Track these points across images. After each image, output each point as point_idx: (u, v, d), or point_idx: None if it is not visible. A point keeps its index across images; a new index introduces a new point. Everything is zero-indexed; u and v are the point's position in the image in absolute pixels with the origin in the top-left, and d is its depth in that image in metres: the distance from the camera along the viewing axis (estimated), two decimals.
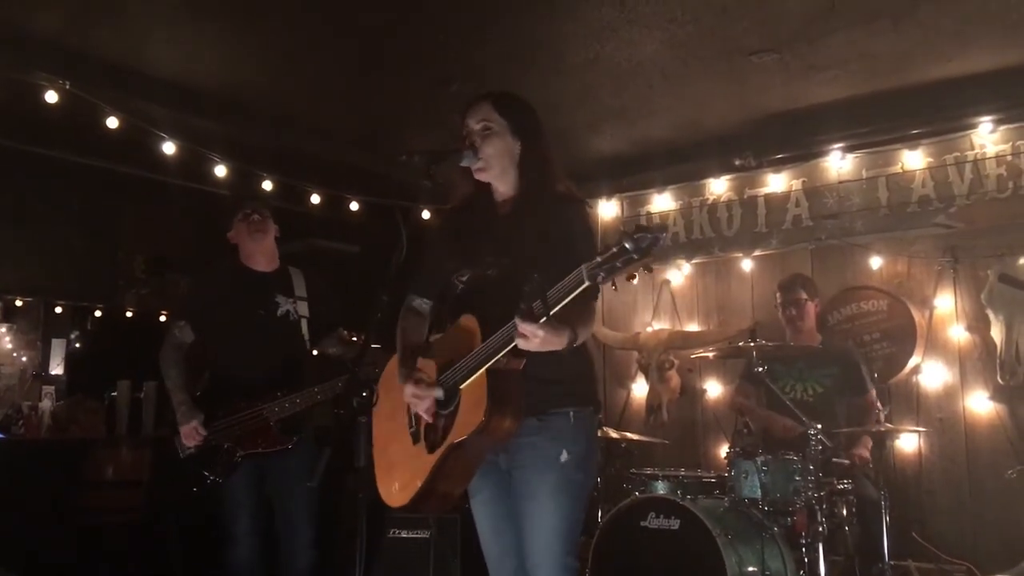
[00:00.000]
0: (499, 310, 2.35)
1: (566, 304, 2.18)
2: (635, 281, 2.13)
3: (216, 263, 4.13)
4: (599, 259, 2.07)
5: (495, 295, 2.49)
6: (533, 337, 2.22)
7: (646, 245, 2.02)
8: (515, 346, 2.28)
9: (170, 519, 4.20)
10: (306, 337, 3.99)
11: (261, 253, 3.98)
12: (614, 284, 2.10)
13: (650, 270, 2.11)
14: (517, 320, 2.21)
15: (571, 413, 2.59)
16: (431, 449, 2.55)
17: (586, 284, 2.11)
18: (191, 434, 3.69)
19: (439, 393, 2.52)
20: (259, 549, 3.76)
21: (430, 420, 2.56)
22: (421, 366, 2.66)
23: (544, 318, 2.18)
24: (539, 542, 2.53)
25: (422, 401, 2.54)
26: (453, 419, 2.49)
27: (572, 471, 2.55)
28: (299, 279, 4.04)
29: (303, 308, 3.98)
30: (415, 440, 2.65)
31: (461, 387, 2.47)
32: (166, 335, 3.93)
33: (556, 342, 2.27)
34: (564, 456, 2.53)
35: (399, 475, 2.68)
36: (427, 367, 2.64)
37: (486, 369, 2.38)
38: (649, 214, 6.23)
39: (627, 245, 2.02)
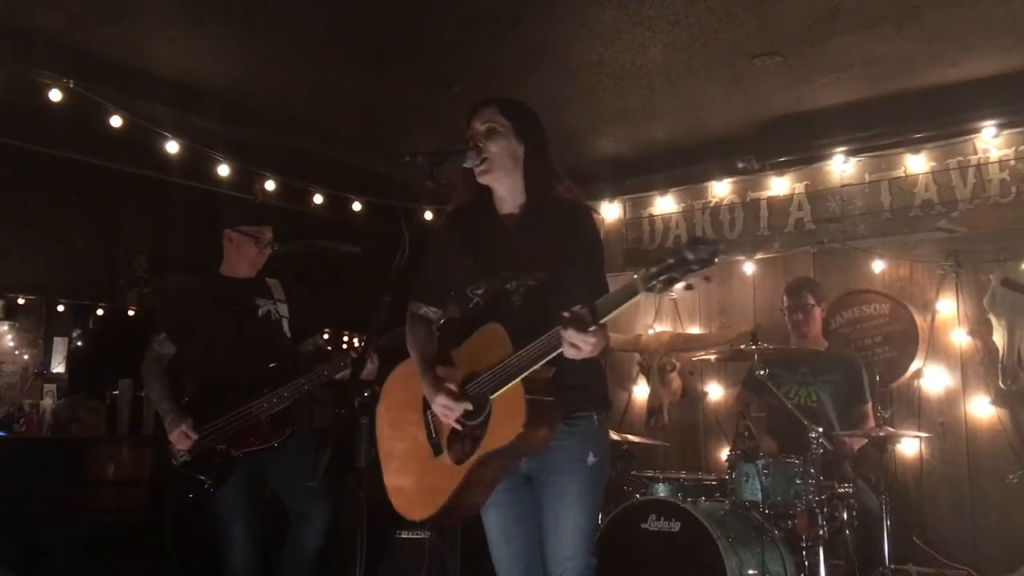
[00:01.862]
0: (526, 321, 2.38)
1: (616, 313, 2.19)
2: (691, 288, 2.11)
3: (190, 275, 4.12)
4: (654, 269, 2.07)
5: (519, 307, 2.52)
6: (584, 345, 2.22)
7: (706, 256, 2.02)
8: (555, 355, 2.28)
9: (168, 521, 4.20)
10: (288, 335, 4.02)
11: (249, 267, 4.01)
12: (670, 293, 2.11)
13: (708, 280, 2.08)
14: (566, 329, 2.20)
15: (595, 416, 2.63)
16: (459, 460, 2.53)
17: (641, 294, 2.11)
18: (181, 438, 3.68)
19: (468, 405, 2.50)
20: (255, 552, 3.76)
21: (459, 428, 2.54)
22: (443, 375, 2.62)
23: (594, 327, 2.19)
24: (568, 543, 2.55)
25: (453, 412, 2.52)
26: (484, 429, 2.47)
27: (597, 472, 2.60)
28: (276, 285, 4.08)
29: (283, 309, 4.02)
30: (436, 452, 2.62)
31: (492, 397, 2.45)
32: (145, 349, 3.91)
33: (598, 350, 2.28)
34: (591, 458, 2.57)
35: (418, 488, 2.66)
36: (450, 376, 2.61)
37: (522, 379, 2.37)
38: (651, 216, 6.23)
39: (688, 255, 2.02)
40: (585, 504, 2.57)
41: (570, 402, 2.53)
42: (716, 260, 2.02)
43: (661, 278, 2.05)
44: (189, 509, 3.81)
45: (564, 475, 2.56)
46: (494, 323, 2.49)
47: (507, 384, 2.40)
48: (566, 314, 2.20)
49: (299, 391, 3.73)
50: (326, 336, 4.38)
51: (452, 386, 2.54)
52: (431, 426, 2.66)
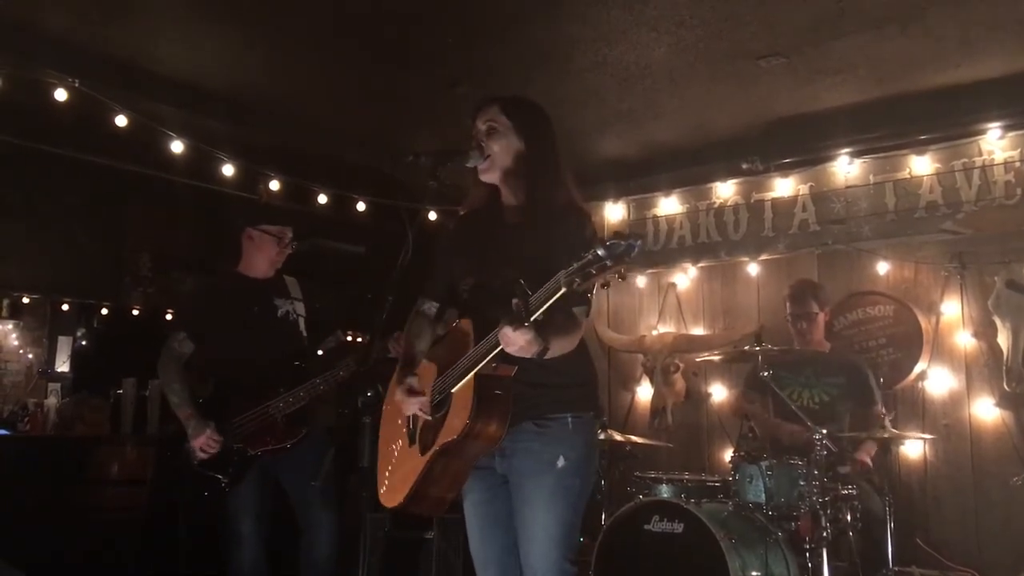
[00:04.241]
0: (493, 316, 2.36)
1: (547, 310, 2.16)
2: (607, 286, 2.09)
3: (211, 274, 4.12)
4: (575, 265, 2.04)
5: (493, 302, 2.50)
6: (512, 344, 2.22)
7: (620, 252, 1.98)
8: (501, 350, 2.28)
9: (183, 521, 4.22)
10: (304, 334, 4.02)
11: (269, 266, 4.01)
12: (605, 285, 2.09)
13: (623, 277, 2.07)
14: (503, 325, 2.20)
15: (569, 418, 2.59)
16: (423, 451, 2.57)
17: (563, 291, 2.08)
18: (208, 443, 3.69)
19: (422, 399, 2.56)
20: (262, 552, 3.76)
21: (428, 418, 2.58)
22: (423, 368, 2.68)
23: (526, 323, 2.17)
24: (536, 548, 2.53)
25: (411, 404, 2.59)
26: (444, 421, 2.51)
27: (569, 476, 2.55)
28: (294, 283, 4.09)
29: (300, 308, 4.03)
30: (411, 441, 2.67)
31: (452, 391, 2.49)
32: (164, 349, 3.91)
33: (532, 349, 2.25)
34: (561, 461, 2.54)
35: (394, 475, 2.70)
36: (428, 370, 2.67)
37: (474, 374, 2.40)
38: (655, 217, 6.22)
39: (599, 252, 1.99)
40: (555, 508, 2.52)
41: (540, 403, 2.53)
42: (630, 257, 1.99)
43: (580, 273, 2.04)
44: (200, 508, 3.81)
45: (532, 478, 2.54)
46: (466, 320, 2.54)
47: (463, 379, 2.43)
48: (511, 309, 2.18)
49: (315, 391, 3.74)
50: (348, 336, 4.38)
51: (414, 381, 2.61)
52: (412, 417, 2.70)
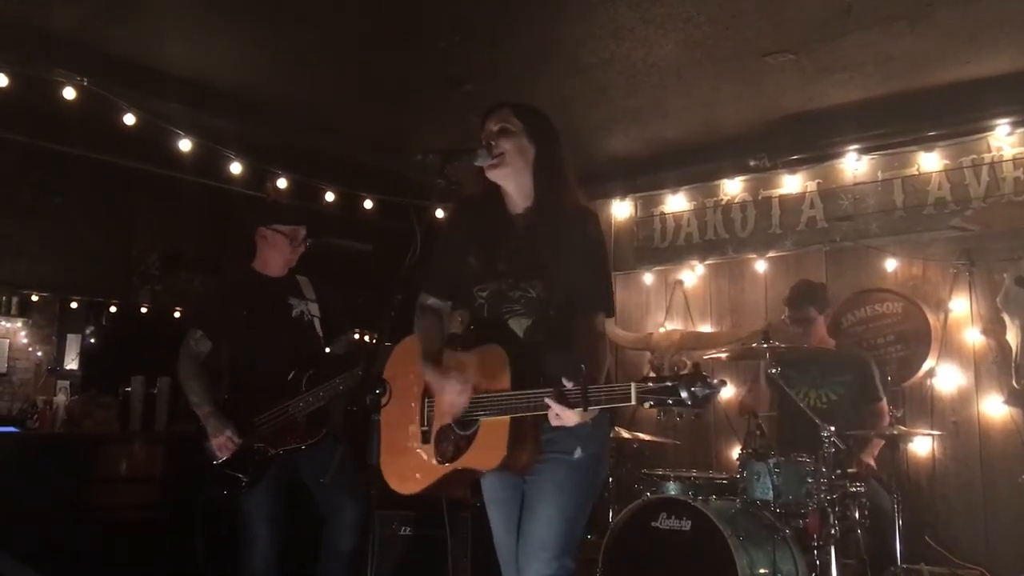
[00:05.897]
0: (527, 349, 2.51)
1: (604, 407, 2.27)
2: (680, 417, 2.21)
3: (225, 270, 4.12)
4: (652, 385, 2.13)
5: (522, 325, 2.58)
6: (564, 422, 2.30)
7: (703, 397, 2.09)
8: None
9: (199, 520, 4.22)
10: (320, 334, 4.03)
11: (283, 264, 4.02)
12: (660, 412, 2.17)
13: (697, 416, 2.18)
14: (556, 401, 2.27)
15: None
16: (441, 459, 2.60)
17: (632, 403, 2.18)
18: (225, 445, 3.69)
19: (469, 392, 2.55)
20: (275, 552, 3.76)
21: (450, 422, 2.59)
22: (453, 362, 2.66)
23: (580, 409, 2.26)
24: (534, 535, 2.55)
25: (463, 396, 2.54)
26: (469, 443, 2.54)
27: (583, 470, 2.57)
28: (307, 283, 4.09)
29: (315, 309, 4.03)
30: (424, 439, 2.68)
31: (481, 420, 2.51)
32: (181, 347, 3.90)
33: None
34: (579, 452, 2.56)
35: (404, 467, 2.71)
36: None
37: (512, 418, 2.44)
38: (663, 215, 6.22)
39: (683, 394, 2.09)
40: (562, 499, 2.54)
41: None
42: (709, 404, 2.10)
43: (654, 395, 2.14)
44: (216, 506, 3.81)
45: (547, 465, 2.55)
46: (498, 347, 2.53)
47: (498, 416, 2.46)
48: (567, 383, 2.26)
49: (334, 391, 3.74)
50: (356, 335, 4.38)
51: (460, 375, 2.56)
52: (426, 415, 2.71)
